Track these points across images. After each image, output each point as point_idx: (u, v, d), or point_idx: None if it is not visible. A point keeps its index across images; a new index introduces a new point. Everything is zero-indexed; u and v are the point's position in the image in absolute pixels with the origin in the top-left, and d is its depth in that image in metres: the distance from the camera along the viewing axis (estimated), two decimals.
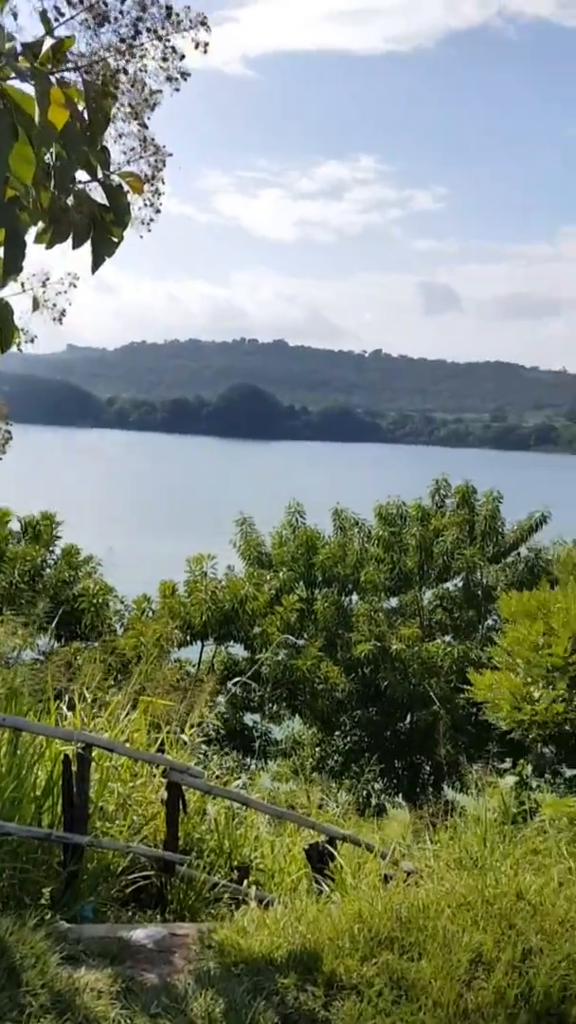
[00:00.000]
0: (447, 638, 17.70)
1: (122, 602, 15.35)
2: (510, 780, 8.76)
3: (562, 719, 8.23)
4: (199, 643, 14.29)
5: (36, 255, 3.22)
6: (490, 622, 17.31)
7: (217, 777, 7.89)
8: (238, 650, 15.75)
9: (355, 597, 17.32)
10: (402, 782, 16.88)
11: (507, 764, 15.69)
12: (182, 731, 6.08)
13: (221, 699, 14.55)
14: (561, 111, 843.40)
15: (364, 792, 17.03)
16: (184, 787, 4.95)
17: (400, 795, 17.24)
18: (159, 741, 5.65)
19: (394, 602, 18.06)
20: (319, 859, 5.05)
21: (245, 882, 4.81)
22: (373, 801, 17.37)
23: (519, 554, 18.11)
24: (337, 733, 16.99)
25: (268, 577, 15.88)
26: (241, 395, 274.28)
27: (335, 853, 5.06)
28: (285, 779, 17.05)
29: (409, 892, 4.21)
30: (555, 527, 18.92)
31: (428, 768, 16.07)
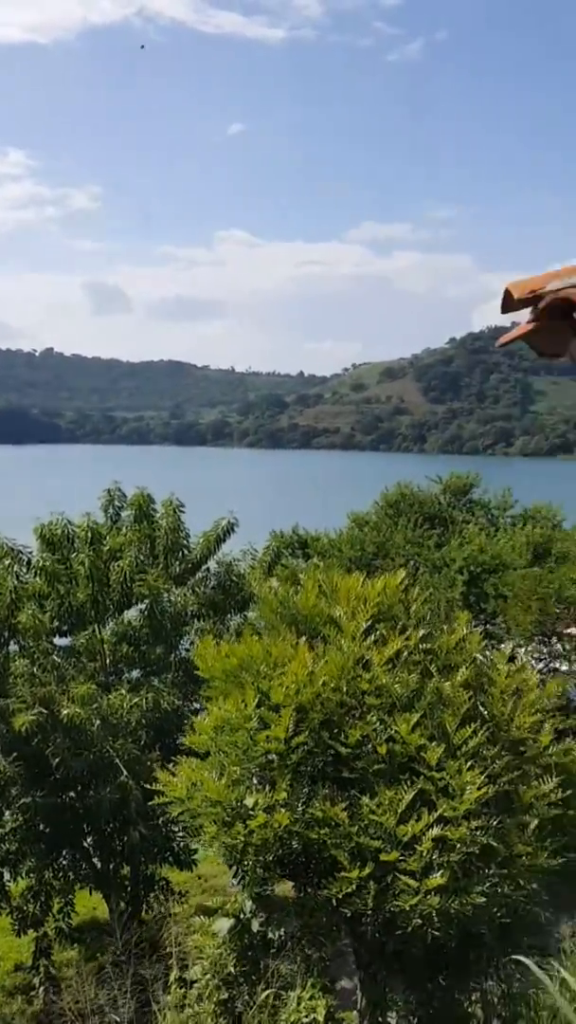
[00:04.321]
0: (135, 673, 15.02)
1: None
2: (224, 924, 6.34)
3: (286, 832, 5.90)
4: None
5: None
6: (183, 653, 14.94)
7: None
8: None
9: (14, 647, 13.80)
10: (92, 862, 13.83)
11: None
12: None
13: None
14: (205, 115, 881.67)
15: (42, 881, 13.70)
16: None
17: (92, 876, 14.16)
18: None
19: (67, 641, 14.89)
20: None
21: None
22: (57, 885, 14.17)
23: (208, 570, 15.95)
24: (6, 816, 13.48)
25: None
26: None
27: None
28: None
29: None
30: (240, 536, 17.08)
31: (120, 845, 13.21)
